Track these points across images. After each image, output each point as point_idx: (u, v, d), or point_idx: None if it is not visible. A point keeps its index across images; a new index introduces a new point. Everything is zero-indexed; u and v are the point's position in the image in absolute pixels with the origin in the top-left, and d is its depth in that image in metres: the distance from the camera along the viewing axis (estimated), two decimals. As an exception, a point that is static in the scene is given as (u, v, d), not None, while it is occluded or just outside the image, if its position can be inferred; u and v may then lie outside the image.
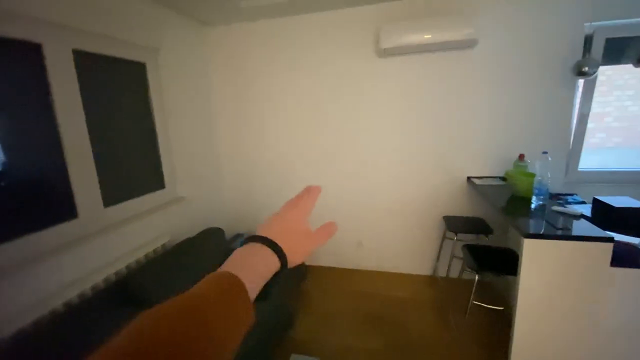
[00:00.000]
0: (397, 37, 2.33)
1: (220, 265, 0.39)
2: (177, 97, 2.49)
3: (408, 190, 2.77)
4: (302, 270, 2.91)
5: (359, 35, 2.56)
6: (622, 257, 1.42)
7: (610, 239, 1.38)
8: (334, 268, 3.08)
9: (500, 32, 2.33)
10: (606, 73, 2.46)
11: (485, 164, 2.56)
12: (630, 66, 2.29)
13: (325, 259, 3.11)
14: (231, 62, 2.87)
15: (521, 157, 2.23)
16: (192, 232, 2.31)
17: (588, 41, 2.23)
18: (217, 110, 2.99)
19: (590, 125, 2.52)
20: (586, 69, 2.06)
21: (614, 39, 2.22)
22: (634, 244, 1.44)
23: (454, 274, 2.66)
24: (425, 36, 2.28)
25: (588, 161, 2.52)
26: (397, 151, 2.71)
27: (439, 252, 2.77)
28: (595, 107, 2.50)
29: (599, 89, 2.46)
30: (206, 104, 2.89)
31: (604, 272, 1.42)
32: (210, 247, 2.15)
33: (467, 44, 2.33)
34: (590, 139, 2.58)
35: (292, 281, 2.59)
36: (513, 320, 1.57)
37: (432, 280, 2.82)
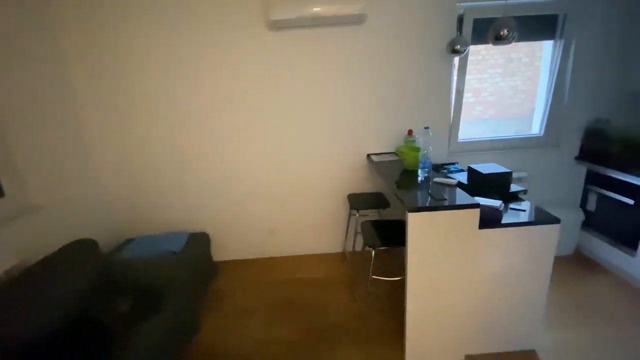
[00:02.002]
0: (287, 8, 2.16)
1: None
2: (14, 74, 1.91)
3: (313, 172, 2.72)
4: (211, 268, 2.69)
5: (248, 5, 2.30)
6: (487, 220, 1.59)
7: (477, 205, 1.52)
8: (246, 260, 2.93)
9: (387, 8, 2.34)
10: (481, 53, 2.73)
11: (382, 140, 2.65)
12: (500, 47, 2.58)
13: (236, 253, 2.93)
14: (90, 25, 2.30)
15: (410, 132, 2.35)
16: (56, 248, 1.86)
17: (460, 21, 2.41)
18: (81, 91, 2.42)
19: (471, 99, 2.81)
20: (458, 47, 2.23)
21: (480, 19, 2.44)
22: (495, 206, 1.63)
23: (360, 248, 2.77)
24: (315, 8, 2.16)
25: (472, 132, 2.82)
26: (298, 133, 2.62)
27: (347, 228, 2.84)
28: (475, 83, 2.78)
29: (476, 67, 2.73)
30: (61, 82, 2.30)
31: (474, 234, 1.58)
32: (76, 265, 1.76)
33: (357, 19, 2.30)
34: (472, 112, 2.89)
35: (198, 283, 2.36)
36: (405, 286, 1.67)
37: (342, 256, 2.89)
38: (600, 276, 2.42)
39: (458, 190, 1.75)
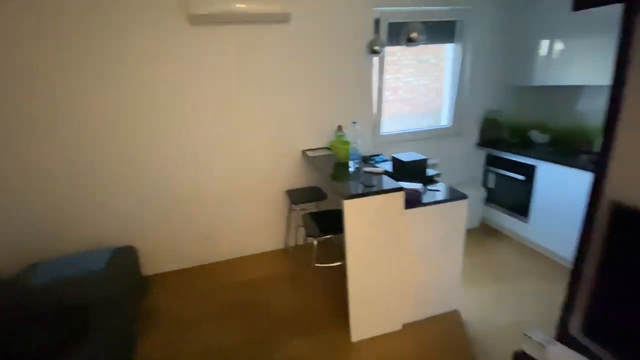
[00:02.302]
0: (209, 2, 2.10)
1: None
2: None
3: (250, 171, 2.70)
4: (142, 284, 2.47)
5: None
6: (411, 201, 1.79)
7: (401, 189, 1.71)
8: (183, 270, 2.76)
9: (310, 9, 2.44)
10: (397, 54, 3.00)
11: (316, 136, 2.75)
12: (411, 48, 2.88)
13: (171, 263, 2.74)
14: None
15: (339, 127, 2.50)
16: None
17: (377, 24, 2.64)
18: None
19: (391, 97, 3.08)
20: (377, 47, 2.43)
21: (395, 23, 2.70)
22: (416, 189, 1.84)
23: (302, 241, 2.85)
24: (238, 5, 2.15)
25: (395, 126, 3.10)
26: (230, 132, 2.56)
27: (288, 224, 2.88)
28: (393, 82, 3.06)
29: (393, 67, 3.00)
30: None
31: (401, 214, 1.76)
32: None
33: (282, 18, 2.35)
34: (392, 109, 3.17)
35: (128, 301, 2.14)
36: (346, 269, 1.78)
37: (284, 252, 2.93)
38: (502, 241, 2.90)
39: (385, 177, 1.92)
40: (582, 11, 1.08)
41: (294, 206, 2.53)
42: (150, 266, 2.64)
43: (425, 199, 1.86)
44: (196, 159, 2.54)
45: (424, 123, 3.23)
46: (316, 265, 2.10)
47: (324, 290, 2.36)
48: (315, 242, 2.04)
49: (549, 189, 2.52)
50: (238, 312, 2.22)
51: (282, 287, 2.44)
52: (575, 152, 2.50)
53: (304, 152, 2.72)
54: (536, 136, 2.91)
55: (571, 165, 2.31)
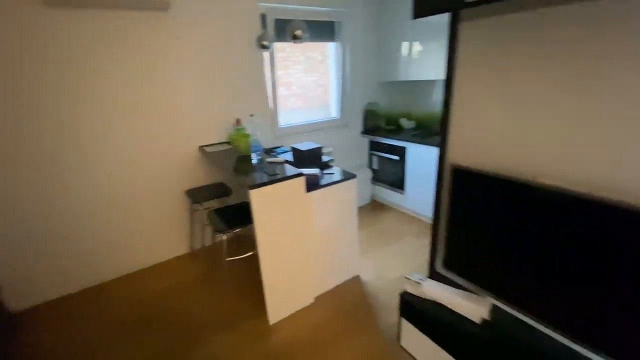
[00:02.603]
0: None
1: None
2: None
3: (142, 175, 2.45)
4: (6, 323, 1.99)
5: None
6: (311, 184, 1.97)
7: (301, 174, 1.87)
8: (69, 296, 2.33)
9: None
10: (286, 50, 3.14)
11: (213, 131, 2.68)
12: (299, 45, 3.04)
13: (52, 291, 2.27)
14: None
15: (238, 121, 2.51)
16: None
17: (264, 19, 2.71)
18: None
19: (285, 92, 3.21)
20: (265, 43, 2.52)
21: (281, 19, 2.82)
22: (315, 173, 2.04)
23: (210, 241, 2.77)
24: (105, -12, 1.90)
25: (291, 119, 3.25)
26: (116, 135, 2.27)
27: (192, 226, 2.74)
28: (286, 78, 3.18)
29: (284, 63, 3.13)
30: None
31: (304, 197, 1.93)
32: None
33: (159, 5, 2.18)
34: (287, 103, 3.31)
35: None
36: (258, 256, 1.86)
37: (191, 256, 2.79)
38: (388, 213, 3.44)
39: (286, 165, 2.06)
40: (425, 18, 1.41)
41: (197, 206, 2.43)
42: (24, 298, 2.15)
43: (323, 181, 2.08)
44: (74, 165, 2.17)
45: (317, 116, 3.50)
46: (227, 259, 2.09)
47: (238, 283, 2.37)
48: (224, 237, 2.04)
49: (417, 165, 3.11)
50: (146, 327, 2.03)
51: (192, 291, 2.33)
52: (433, 134, 3.16)
53: (201, 148, 2.62)
54: (405, 123, 3.52)
55: (430, 144, 2.90)
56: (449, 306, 1.39)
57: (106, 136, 2.25)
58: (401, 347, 1.62)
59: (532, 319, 1.23)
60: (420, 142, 3.00)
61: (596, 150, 1.00)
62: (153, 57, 2.29)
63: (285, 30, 2.64)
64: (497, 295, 1.31)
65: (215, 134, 2.69)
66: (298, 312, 2.10)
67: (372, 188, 3.70)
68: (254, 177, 1.88)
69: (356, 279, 2.40)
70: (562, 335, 1.14)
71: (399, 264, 2.54)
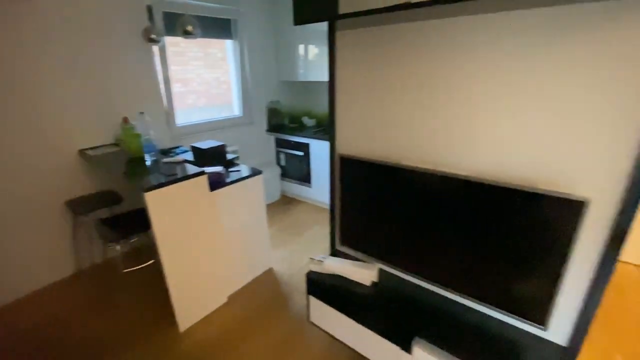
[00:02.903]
0: None
1: None
2: None
3: (6, 190, 2.01)
4: None
5: None
6: (216, 182, 1.96)
7: (202, 173, 1.84)
8: None
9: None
10: (181, 45, 2.96)
11: (95, 132, 2.37)
12: (197, 40, 2.91)
13: None
14: None
15: (125, 120, 2.28)
16: None
17: (150, 11, 2.52)
18: None
19: (183, 89, 3.03)
20: (154, 36, 2.36)
21: (171, 13, 2.66)
22: (218, 171, 2.03)
23: (101, 257, 2.45)
24: None
25: (193, 118, 3.09)
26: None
27: (76, 242, 2.38)
28: (183, 74, 3.01)
29: (180, 58, 2.95)
30: None
31: (208, 196, 1.90)
32: None
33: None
34: (187, 101, 3.13)
35: None
36: (162, 265, 1.76)
37: (77, 277, 2.42)
38: (298, 206, 3.60)
39: (186, 165, 1.99)
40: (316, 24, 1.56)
41: (81, 218, 2.13)
42: None
43: (229, 179, 2.08)
44: None
45: (222, 114, 3.41)
46: (125, 271, 1.91)
47: (141, 295, 2.18)
48: (118, 248, 1.85)
49: (320, 159, 3.34)
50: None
51: (88, 313, 2.05)
52: (331, 130, 3.44)
53: (81, 152, 2.30)
54: (307, 121, 3.73)
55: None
56: (345, 276, 1.59)
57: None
58: (311, 322, 1.77)
59: (410, 275, 1.52)
60: (321, 139, 3.24)
61: (437, 137, 1.31)
62: (11, 50, 1.91)
63: (175, 24, 2.52)
64: (383, 260, 1.57)
65: (98, 135, 2.39)
66: (211, 313, 2.07)
67: (281, 184, 3.81)
68: (149, 179, 1.76)
69: (270, 272, 2.48)
70: (433, 284, 1.44)
71: (309, 251, 2.72)
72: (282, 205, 3.64)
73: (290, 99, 3.95)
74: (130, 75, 2.48)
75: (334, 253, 1.85)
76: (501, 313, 1.23)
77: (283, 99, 3.87)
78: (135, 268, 2.01)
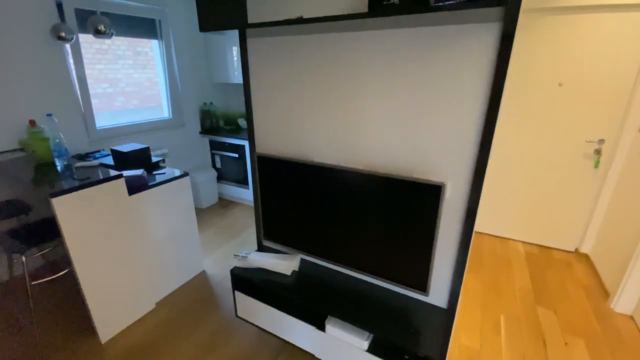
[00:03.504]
0: None
1: None
2: None
3: None
4: None
5: None
6: (135, 186, 1.92)
7: (120, 176, 1.80)
8: None
9: None
10: (107, 42, 2.78)
11: (-7, 137, 2.15)
12: (129, 38, 2.76)
13: None
14: None
15: (32, 123, 2.11)
16: None
17: (60, 8, 2.36)
18: None
19: (109, 90, 2.86)
20: (63, 34, 2.21)
21: (83, 10, 2.51)
22: (138, 174, 1.98)
23: (6, 275, 2.23)
24: None
25: (120, 120, 2.93)
26: None
27: (-28, 260, 2.14)
28: (109, 74, 2.83)
29: (106, 57, 2.77)
30: None
31: (126, 201, 1.86)
32: None
33: None
34: (115, 103, 2.95)
35: None
36: (76, 276, 1.68)
37: (-23, 297, 2.17)
38: (235, 208, 3.61)
39: (102, 169, 1.92)
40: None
41: (-24, 231, 1.92)
42: None
43: (153, 182, 2.05)
44: None
45: (151, 116, 3.27)
46: (33, 283, 1.78)
47: (56, 308, 2.04)
48: (24, 259, 1.72)
49: (255, 161, 3.40)
50: None
51: (-18, 338, 1.85)
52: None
53: (-23, 159, 2.07)
54: (242, 122, 3.76)
55: (263, 141, 3.24)
56: (269, 268, 1.68)
57: None
58: (238, 317, 1.83)
59: (324, 261, 1.67)
60: (255, 140, 3.30)
61: (337, 137, 1.47)
62: None
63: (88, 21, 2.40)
64: (302, 250, 1.69)
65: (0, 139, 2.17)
66: (136, 321, 2.01)
67: (218, 187, 3.78)
68: (59, 185, 1.67)
69: (201, 275, 2.47)
70: (343, 267, 1.60)
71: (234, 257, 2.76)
72: (219, 208, 3.62)
73: (225, 101, 3.94)
74: (38, 75, 2.29)
75: (261, 248, 1.93)
76: (394, 285, 1.44)
77: (217, 101, 3.84)
78: (44, 280, 1.87)
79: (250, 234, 3.04)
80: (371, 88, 1.32)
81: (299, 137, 1.60)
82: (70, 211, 1.61)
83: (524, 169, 2.77)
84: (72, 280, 2.24)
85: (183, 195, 2.24)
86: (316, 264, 1.77)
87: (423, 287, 1.35)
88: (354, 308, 1.46)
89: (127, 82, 3.03)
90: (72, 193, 1.60)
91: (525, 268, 2.54)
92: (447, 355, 1.40)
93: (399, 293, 1.53)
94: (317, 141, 1.55)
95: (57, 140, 1.91)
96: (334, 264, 1.62)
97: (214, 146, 3.69)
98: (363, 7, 1.21)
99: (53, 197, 1.54)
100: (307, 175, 1.52)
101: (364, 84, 1.33)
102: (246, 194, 3.63)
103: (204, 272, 2.50)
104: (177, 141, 3.44)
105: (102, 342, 1.85)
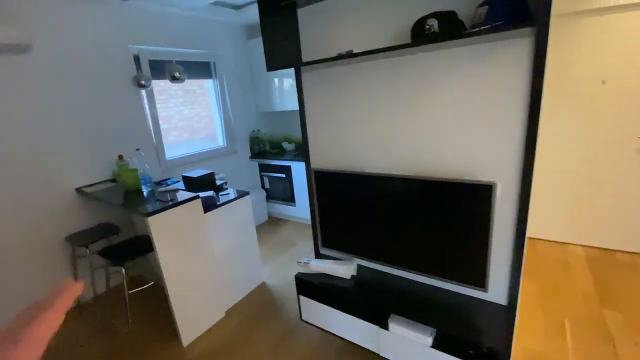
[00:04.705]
0: None
1: None
2: None
3: (8, 227, 2.18)
4: None
5: None
6: (208, 205, 2.20)
7: (197, 197, 2.09)
8: None
9: (57, 40, 2.32)
10: (161, 85, 3.25)
11: (91, 171, 2.59)
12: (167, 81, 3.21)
13: None
14: None
15: (120, 157, 2.51)
16: None
17: (138, 60, 2.84)
18: None
19: (165, 125, 3.30)
20: (143, 82, 2.65)
21: (154, 60, 2.99)
22: (210, 195, 2.28)
23: (101, 287, 2.60)
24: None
25: (177, 152, 3.35)
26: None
27: (75, 276, 2.52)
28: (163, 112, 3.29)
29: (159, 97, 3.24)
30: None
31: (202, 218, 2.14)
32: None
33: (16, 49, 2.11)
34: (169, 137, 3.39)
35: None
36: (165, 286, 1.95)
37: (79, 309, 2.53)
38: (284, 225, 3.84)
39: (180, 192, 2.23)
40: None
41: (82, 250, 2.30)
42: None
43: (219, 202, 2.33)
44: None
45: (206, 146, 3.68)
46: (129, 292, 2.08)
47: (143, 315, 2.33)
48: (124, 271, 2.04)
49: (301, 179, 3.64)
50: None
51: (95, 338, 2.17)
52: (309, 152, 3.77)
53: (79, 190, 2.50)
54: (286, 145, 4.06)
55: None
56: (329, 273, 1.84)
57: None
58: (304, 320, 1.99)
59: (382, 265, 1.80)
60: (300, 160, 3.55)
61: (387, 148, 1.64)
62: (11, 103, 2.15)
63: (161, 68, 2.85)
64: (359, 255, 1.84)
65: (95, 173, 2.60)
66: (211, 327, 2.24)
67: (267, 206, 4.06)
68: (150, 207, 1.99)
69: (262, 286, 2.68)
70: (400, 269, 1.72)
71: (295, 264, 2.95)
72: (269, 225, 3.87)
73: (270, 127, 4.29)
74: (122, 117, 2.75)
75: (319, 256, 2.10)
76: (452, 283, 1.52)
77: (263, 128, 4.20)
78: (136, 290, 2.17)
79: (300, 248, 3.23)
80: (417, 101, 1.48)
81: (351, 151, 1.79)
82: (161, 228, 1.90)
83: (578, 171, 2.71)
84: (152, 292, 2.54)
85: (245, 212, 2.50)
86: (372, 267, 1.90)
87: (482, 284, 1.43)
88: (415, 306, 1.56)
89: (178, 118, 3.46)
90: (162, 212, 1.90)
91: (586, 271, 2.45)
92: (511, 358, 1.44)
93: (457, 292, 1.61)
94: (369, 153, 1.73)
95: (142, 171, 2.27)
96: (390, 267, 1.74)
97: (263, 168, 4.01)
98: (404, 37, 1.41)
99: (149, 217, 1.84)
100: (362, 185, 1.69)
101: (410, 98, 1.50)
102: (293, 211, 3.85)
103: (263, 283, 2.71)
104: (231, 166, 3.80)
105: (184, 345, 2.08)
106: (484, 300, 1.53)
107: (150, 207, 1.96)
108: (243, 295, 2.55)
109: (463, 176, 1.44)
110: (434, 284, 1.68)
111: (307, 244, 3.29)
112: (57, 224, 2.42)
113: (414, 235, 1.58)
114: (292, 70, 3.41)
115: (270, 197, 4.05)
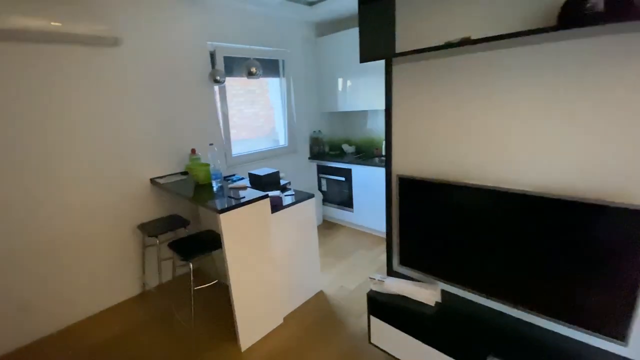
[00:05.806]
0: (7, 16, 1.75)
1: None
2: None
3: (90, 210, 2.31)
4: None
5: None
6: (275, 206, 2.11)
7: (266, 196, 2.01)
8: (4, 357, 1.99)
9: (145, 36, 2.42)
10: (224, 84, 3.28)
11: (165, 162, 2.66)
12: (239, 78, 3.23)
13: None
14: None
15: (193, 151, 2.55)
16: None
17: (213, 57, 2.88)
18: None
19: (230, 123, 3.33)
20: (218, 78, 2.67)
21: (229, 57, 3.02)
22: (278, 195, 2.19)
23: (167, 276, 2.65)
24: (53, 23, 1.89)
25: (241, 148, 3.36)
26: (66, 167, 2.14)
27: (143, 263, 2.60)
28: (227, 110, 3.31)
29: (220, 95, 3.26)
30: None
31: (269, 219, 2.05)
32: None
33: (108, 42, 2.21)
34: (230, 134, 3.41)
35: None
36: (229, 283, 1.89)
37: (144, 296, 2.61)
38: (339, 230, 3.68)
39: (249, 190, 2.17)
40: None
41: (151, 240, 2.35)
42: None
43: (284, 202, 2.23)
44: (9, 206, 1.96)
45: (263, 144, 3.66)
46: (196, 289, 2.06)
47: (202, 315, 2.31)
48: (191, 266, 2.02)
49: (362, 184, 3.45)
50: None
51: (149, 334, 2.19)
52: (371, 156, 3.57)
53: (153, 180, 2.57)
54: (346, 147, 3.90)
55: (372, 165, 3.29)
56: (409, 296, 1.63)
57: (46, 183, 2.10)
58: (371, 344, 1.79)
59: (476, 294, 1.54)
60: (363, 164, 3.37)
61: (502, 157, 1.39)
62: (100, 92, 2.26)
63: (231, 65, 2.85)
64: (446, 279, 1.60)
65: (168, 165, 2.67)
66: (269, 334, 2.14)
67: (323, 209, 3.93)
68: (221, 203, 1.94)
69: (320, 294, 2.53)
70: (502, 303, 1.45)
71: (356, 274, 2.76)
72: (324, 229, 3.74)
73: (330, 128, 4.17)
74: (197, 112, 2.80)
75: (391, 273, 1.89)
76: (577, 330, 1.22)
77: (323, 129, 4.09)
78: (202, 286, 2.15)
79: (357, 258, 3.04)
80: (542, 103, 1.22)
81: (444, 157, 1.56)
82: (230, 226, 1.84)
83: None
84: (211, 289, 2.52)
85: (308, 215, 2.38)
86: (459, 295, 1.64)
87: (622, 335, 1.12)
88: (521, 351, 1.29)
89: (238, 117, 3.46)
90: (234, 210, 1.84)
91: None
92: None
93: (581, 341, 1.30)
94: (467, 161, 1.49)
95: (214, 166, 2.25)
96: (485, 297, 1.48)
97: (321, 170, 3.89)
98: (540, 21, 1.15)
99: (221, 213, 1.79)
100: (457, 198, 1.46)
101: (533, 100, 1.24)
102: (350, 217, 3.68)
103: (322, 291, 2.57)
104: (290, 166, 3.74)
105: (242, 349, 2.00)
106: (619, 356, 1.21)
107: (221, 203, 1.91)
108: (301, 302, 2.43)
109: (600, 196, 1.14)
110: (546, 326, 1.38)
111: (365, 255, 3.09)
112: (132, 212, 2.52)
113: (525, 263, 1.31)
114: (363, 69, 3.28)
115: (326, 199, 3.92)
